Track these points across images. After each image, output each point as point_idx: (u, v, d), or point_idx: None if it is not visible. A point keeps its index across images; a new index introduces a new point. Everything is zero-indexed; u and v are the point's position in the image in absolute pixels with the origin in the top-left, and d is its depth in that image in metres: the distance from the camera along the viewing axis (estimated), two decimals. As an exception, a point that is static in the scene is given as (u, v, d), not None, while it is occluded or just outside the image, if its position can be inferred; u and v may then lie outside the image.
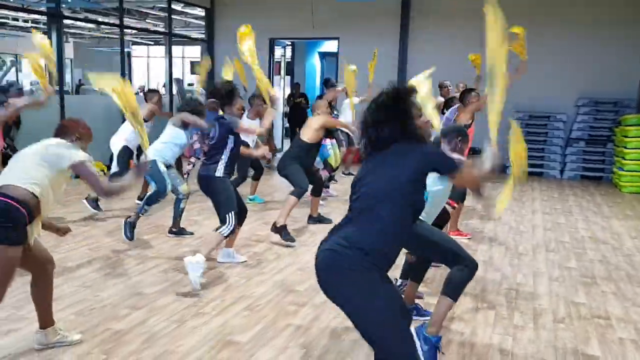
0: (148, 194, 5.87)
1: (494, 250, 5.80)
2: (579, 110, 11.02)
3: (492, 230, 6.61)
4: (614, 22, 10.58)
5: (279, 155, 7.70)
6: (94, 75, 3.39)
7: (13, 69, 19.33)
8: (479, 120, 5.61)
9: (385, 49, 11.45)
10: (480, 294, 4.54)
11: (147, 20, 16.35)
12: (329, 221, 6.53)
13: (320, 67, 17.50)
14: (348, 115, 8.41)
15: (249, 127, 6.17)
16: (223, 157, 4.77)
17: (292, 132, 13.49)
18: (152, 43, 22.52)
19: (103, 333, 3.63)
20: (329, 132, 7.25)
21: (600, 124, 10.92)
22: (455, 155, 3.47)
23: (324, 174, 7.86)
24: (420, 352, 2.98)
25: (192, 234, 6.00)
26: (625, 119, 10.07)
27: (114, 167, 6.89)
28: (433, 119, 4.84)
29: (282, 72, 14.90)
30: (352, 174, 9.40)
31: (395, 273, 3.90)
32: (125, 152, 6.86)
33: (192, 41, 17.19)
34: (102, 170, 8.63)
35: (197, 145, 8.17)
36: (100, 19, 15.29)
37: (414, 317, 3.75)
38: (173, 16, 13.15)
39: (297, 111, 13.26)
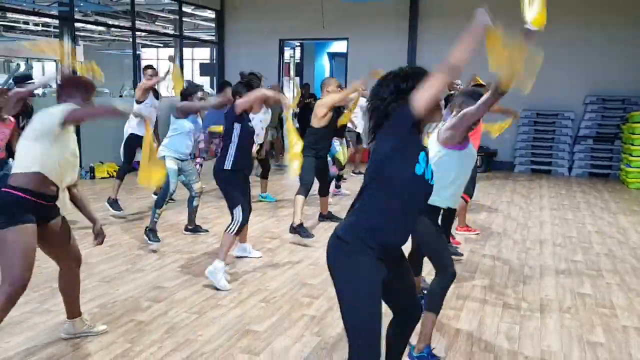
0: (156, 198, 5.92)
1: (502, 244, 5.92)
2: (586, 108, 11.11)
3: (501, 225, 6.73)
4: (622, 20, 10.67)
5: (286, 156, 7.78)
6: (28, 43, 3.46)
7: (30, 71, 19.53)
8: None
9: (394, 49, 11.61)
10: (488, 285, 4.68)
11: (156, 23, 16.56)
12: (339, 219, 6.64)
13: (329, 67, 17.63)
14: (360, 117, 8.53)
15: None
16: (230, 149, 4.75)
17: (302, 132, 13.57)
18: (161, 45, 22.74)
19: (127, 324, 3.80)
20: (338, 131, 7.38)
21: (608, 121, 10.99)
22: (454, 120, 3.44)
23: (333, 170, 8.00)
24: None
25: (207, 231, 6.17)
26: (632, 116, 10.14)
27: (122, 155, 7.16)
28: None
29: (292, 72, 15.03)
30: (362, 173, 9.53)
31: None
32: (132, 140, 7.03)
33: (202, 43, 17.36)
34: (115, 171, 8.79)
35: (202, 145, 8.24)
36: (110, 22, 15.48)
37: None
38: (182, 18, 13.33)
39: (307, 112, 13.41)
